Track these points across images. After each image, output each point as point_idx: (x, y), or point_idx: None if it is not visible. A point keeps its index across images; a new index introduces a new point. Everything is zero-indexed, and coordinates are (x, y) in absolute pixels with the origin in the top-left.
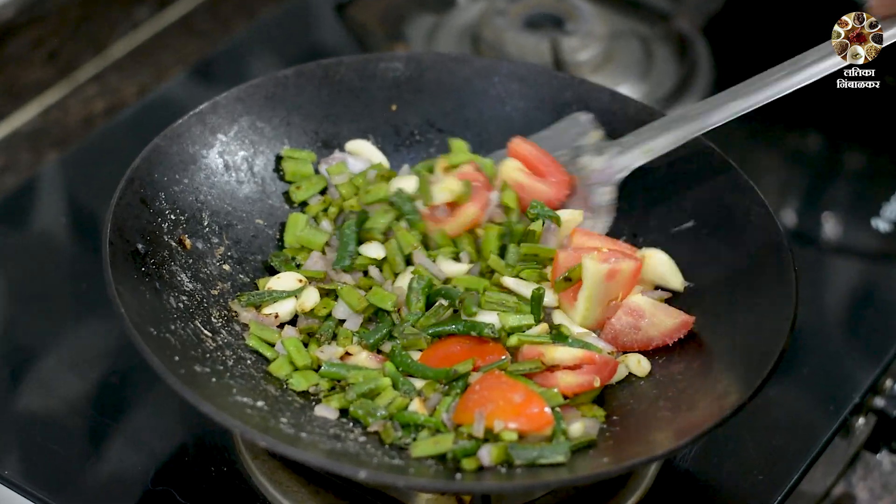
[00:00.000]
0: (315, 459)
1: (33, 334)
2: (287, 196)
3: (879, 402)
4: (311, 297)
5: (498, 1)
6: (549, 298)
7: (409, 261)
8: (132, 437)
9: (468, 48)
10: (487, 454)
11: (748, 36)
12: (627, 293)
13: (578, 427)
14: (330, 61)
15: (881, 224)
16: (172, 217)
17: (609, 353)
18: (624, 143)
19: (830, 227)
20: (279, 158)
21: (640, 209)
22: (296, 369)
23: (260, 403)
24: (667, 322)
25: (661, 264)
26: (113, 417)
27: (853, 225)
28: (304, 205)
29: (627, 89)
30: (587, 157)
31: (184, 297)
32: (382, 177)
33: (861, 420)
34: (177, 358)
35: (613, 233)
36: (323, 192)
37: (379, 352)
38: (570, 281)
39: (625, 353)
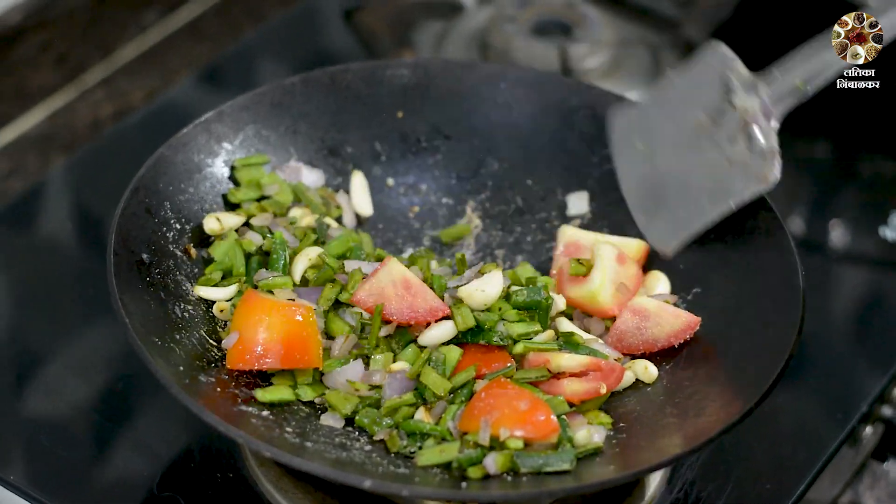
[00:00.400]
0: (320, 469)
1: (39, 338)
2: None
3: (887, 411)
4: None
5: (506, 7)
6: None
7: None
8: (138, 442)
9: (476, 55)
10: (493, 462)
11: (757, 44)
12: (636, 285)
13: (584, 434)
14: (336, 68)
15: (889, 232)
16: (178, 226)
17: (616, 360)
18: (775, 75)
19: (838, 234)
20: (233, 168)
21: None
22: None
23: (265, 413)
24: (673, 323)
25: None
26: (118, 422)
27: (861, 233)
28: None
29: (636, 96)
30: (740, 96)
31: (189, 307)
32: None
33: (868, 429)
34: (181, 367)
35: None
36: (261, 198)
37: None
38: (583, 265)
39: (632, 358)
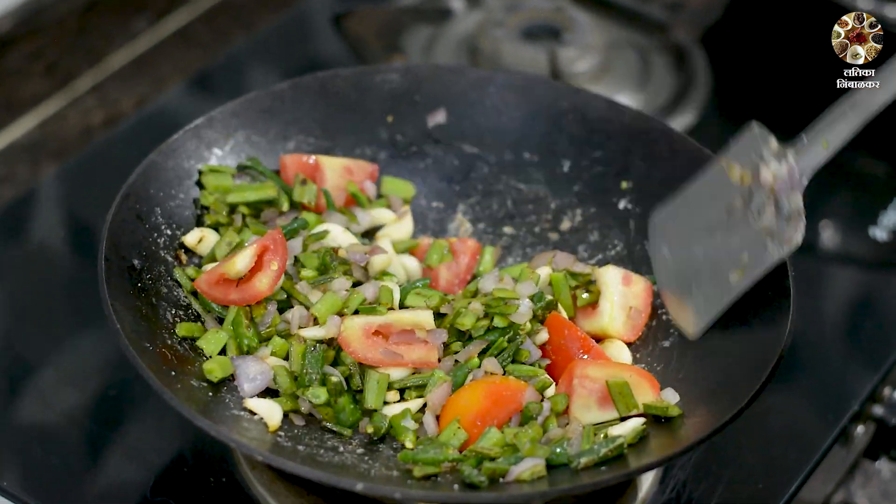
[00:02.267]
0: (312, 473)
1: (31, 346)
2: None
3: (878, 410)
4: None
5: (495, 12)
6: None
7: None
8: (131, 448)
9: (466, 59)
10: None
11: (746, 46)
12: (646, 301)
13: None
14: (326, 74)
15: (878, 233)
16: (168, 232)
17: None
18: (800, 143)
19: (828, 235)
20: (200, 173)
21: (638, 217)
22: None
23: (257, 417)
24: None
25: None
26: (111, 429)
27: (851, 234)
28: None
29: (625, 100)
30: (771, 166)
31: (180, 312)
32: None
33: (860, 428)
34: (173, 373)
35: (605, 245)
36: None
37: None
38: (591, 293)
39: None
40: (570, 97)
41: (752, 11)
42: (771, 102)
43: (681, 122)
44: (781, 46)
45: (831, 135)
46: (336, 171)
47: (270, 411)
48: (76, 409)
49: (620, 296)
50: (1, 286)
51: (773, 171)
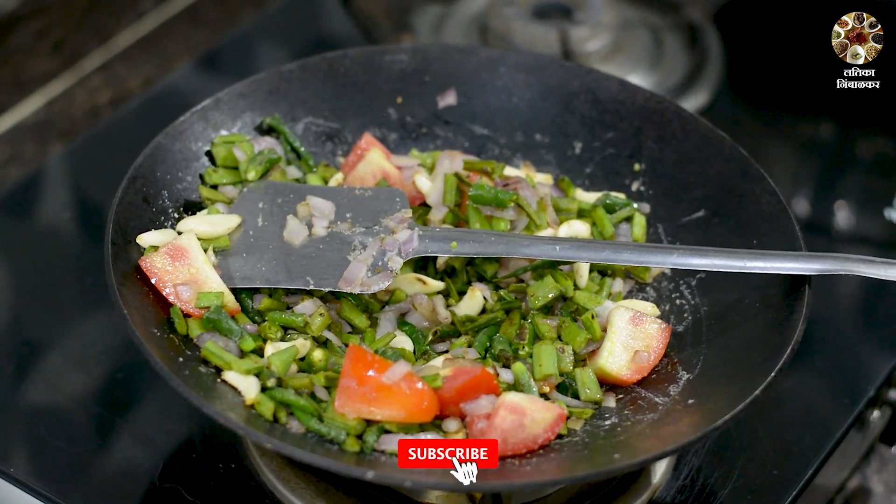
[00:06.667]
0: (323, 461)
1: (38, 329)
2: None
3: (894, 394)
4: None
5: None
6: None
7: None
8: (139, 433)
9: (476, 39)
10: None
11: (759, 25)
12: (659, 345)
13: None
14: (334, 54)
15: (894, 214)
16: (175, 215)
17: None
18: (432, 233)
19: (843, 217)
20: (212, 144)
21: (651, 199)
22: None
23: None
24: (546, 416)
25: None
26: (119, 414)
27: (865, 215)
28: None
29: (637, 79)
30: (394, 225)
31: None
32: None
33: (876, 413)
34: (181, 359)
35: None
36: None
37: None
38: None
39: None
40: (581, 77)
41: None
42: (784, 82)
43: (693, 102)
44: (795, 25)
45: (464, 246)
46: (371, 163)
47: (247, 385)
48: (84, 392)
49: (626, 336)
50: (7, 267)
51: (392, 229)
